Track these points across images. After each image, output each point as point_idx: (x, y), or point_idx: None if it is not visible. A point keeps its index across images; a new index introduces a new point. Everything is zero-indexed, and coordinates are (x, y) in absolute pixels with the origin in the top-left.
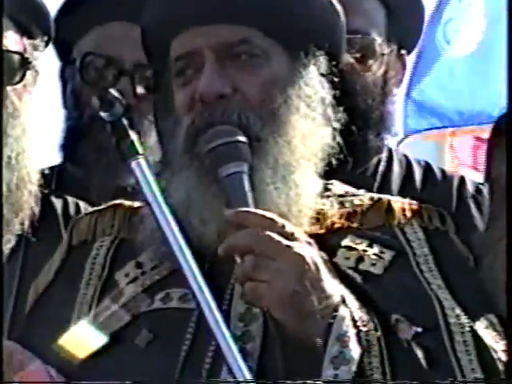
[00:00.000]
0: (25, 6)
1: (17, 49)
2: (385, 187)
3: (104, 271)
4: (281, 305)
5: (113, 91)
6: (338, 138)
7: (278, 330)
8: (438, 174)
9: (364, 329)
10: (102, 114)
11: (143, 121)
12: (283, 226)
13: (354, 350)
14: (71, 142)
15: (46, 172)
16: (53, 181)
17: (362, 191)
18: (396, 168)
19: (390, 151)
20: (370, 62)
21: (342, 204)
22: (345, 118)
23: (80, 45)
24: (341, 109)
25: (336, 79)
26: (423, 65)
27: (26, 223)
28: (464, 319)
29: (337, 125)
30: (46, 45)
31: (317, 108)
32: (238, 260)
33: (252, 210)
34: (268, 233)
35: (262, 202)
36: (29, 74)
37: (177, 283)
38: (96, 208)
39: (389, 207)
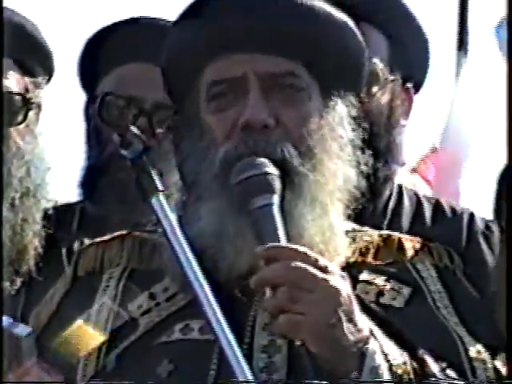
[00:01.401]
0: (26, 44)
1: (18, 89)
2: (395, 224)
3: (115, 303)
4: (317, 337)
5: (133, 129)
6: (363, 181)
7: (306, 362)
8: (448, 210)
9: (395, 362)
10: (123, 152)
11: (162, 160)
12: (316, 260)
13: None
14: (91, 180)
15: (66, 209)
16: (75, 218)
17: (366, 228)
18: (406, 204)
19: (400, 187)
20: (374, 89)
21: (353, 239)
22: (371, 162)
23: (102, 84)
24: (368, 152)
25: (364, 122)
26: None
27: (31, 263)
28: (485, 355)
29: (364, 168)
30: (48, 81)
31: (346, 149)
32: (268, 293)
33: (284, 244)
34: (304, 265)
35: (301, 237)
36: (31, 113)
37: (196, 314)
38: (102, 238)
39: (400, 244)
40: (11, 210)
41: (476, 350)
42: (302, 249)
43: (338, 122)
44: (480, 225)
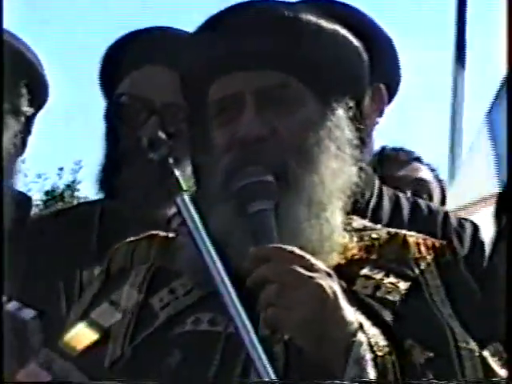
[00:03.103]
0: (37, 75)
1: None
2: (375, 219)
3: (140, 296)
4: (301, 331)
5: (160, 134)
6: (363, 177)
7: (297, 353)
8: (425, 209)
9: (380, 353)
10: (150, 154)
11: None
12: (303, 259)
13: (371, 374)
14: (108, 176)
15: (87, 207)
16: (95, 215)
17: (379, 226)
18: (386, 203)
19: (380, 189)
20: None
21: (361, 238)
22: (368, 158)
23: (119, 87)
24: (365, 150)
25: (361, 122)
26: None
27: None
28: (473, 346)
29: (362, 164)
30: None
31: (345, 149)
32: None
33: (274, 245)
34: (290, 264)
35: (297, 238)
36: None
37: (206, 308)
38: (133, 238)
39: (404, 241)
40: None
41: (465, 341)
42: (289, 248)
43: (336, 124)
44: (453, 222)
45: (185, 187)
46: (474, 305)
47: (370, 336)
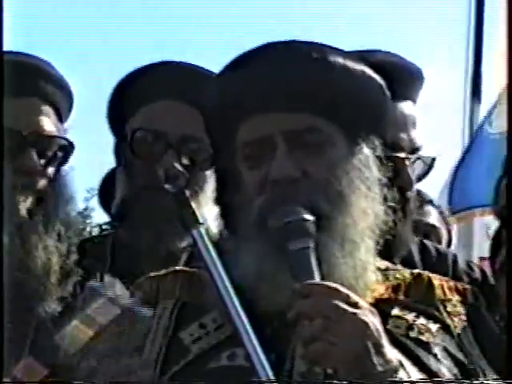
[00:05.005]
0: (65, 95)
1: (57, 132)
2: None
3: (168, 331)
4: (346, 365)
5: (177, 166)
6: (391, 216)
7: None
8: (433, 250)
9: None
10: (167, 186)
11: (188, 189)
12: (347, 296)
13: None
14: (123, 212)
15: (98, 240)
16: (107, 247)
17: (399, 266)
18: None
19: None
20: None
21: (386, 277)
22: (398, 197)
23: (131, 122)
24: (394, 188)
25: (389, 161)
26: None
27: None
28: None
29: (391, 203)
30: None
31: (374, 188)
32: (303, 324)
33: (319, 281)
34: (334, 300)
35: (332, 274)
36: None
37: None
38: (157, 273)
39: (429, 282)
40: (58, 241)
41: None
42: (334, 285)
43: (364, 164)
44: (462, 264)
45: (201, 220)
46: (497, 344)
47: (412, 374)
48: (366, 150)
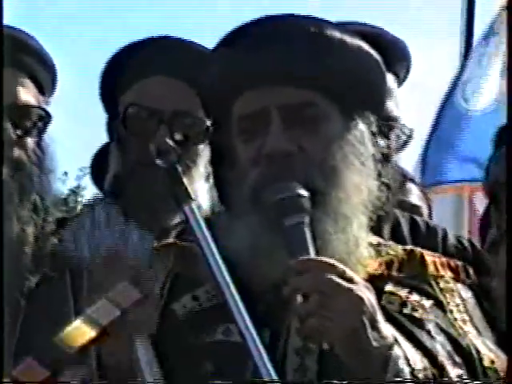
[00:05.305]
0: (45, 66)
1: (37, 103)
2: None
3: (161, 302)
4: (342, 340)
5: (169, 141)
6: (385, 192)
7: (336, 364)
8: (423, 225)
9: (416, 367)
10: (158, 162)
11: (181, 165)
12: (343, 271)
13: None
14: (116, 188)
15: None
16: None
17: (390, 242)
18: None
19: None
20: None
21: (378, 253)
22: (392, 173)
23: (124, 98)
24: (389, 164)
25: (384, 137)
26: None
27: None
28: (498, 364)
29: (385, 179)
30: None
31: (368, 164)
32: (299, 300)
33: (315, 257)
34: (330, 276)
35: (325, 250)
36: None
37: None
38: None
39: (422, 259)
40: (34, 211)
41: (489, 359)
42: (329, 261)
43: (359, 140)
44: (452, 239)
45: (193, 196)
46: (491, 322)
47: (406, 350)
48: (362, 126)
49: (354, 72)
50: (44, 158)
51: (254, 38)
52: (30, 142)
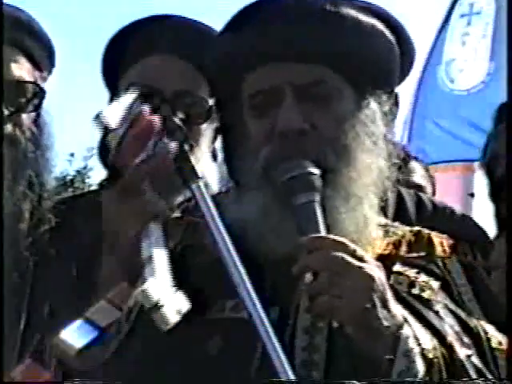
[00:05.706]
0: (35, 39)
1: (31, 79)
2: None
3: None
4: (352, 319)
5: (176, 120)
6: (395, 173)
7: (345, 342)
8: (429, 204)
9: (426, 347)
10: (165, 141)
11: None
12: (354, 250)
13: (420, 366)
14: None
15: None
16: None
17: (396, 223)
18: (390, 200)
19: None
20: None
21: (386, 233)
22: (403, 154)
23: (125, 77)
24: (399, 145)
25: (395, 117)
26: (425, 100)
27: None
28: (505, 346)
29: (395, 160)
30: (49, 75)
31: (379, 143)
32: (307, 277)
33: (325, 235)
34: (341, 254)
35: (335, 228)
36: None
37: None
38: None
39: (429, 239)
40: (29, 188)
41: (497, 340)
42: (340, 239)
43: (371, 119)
44: (458, 218)
45: (200, 174)
46: (496, 302)
47: (416, 329)
48: (374, 105)
49: (367, 51)
50: (40, 134)
51: (269, 14)
52: (26, 118)
